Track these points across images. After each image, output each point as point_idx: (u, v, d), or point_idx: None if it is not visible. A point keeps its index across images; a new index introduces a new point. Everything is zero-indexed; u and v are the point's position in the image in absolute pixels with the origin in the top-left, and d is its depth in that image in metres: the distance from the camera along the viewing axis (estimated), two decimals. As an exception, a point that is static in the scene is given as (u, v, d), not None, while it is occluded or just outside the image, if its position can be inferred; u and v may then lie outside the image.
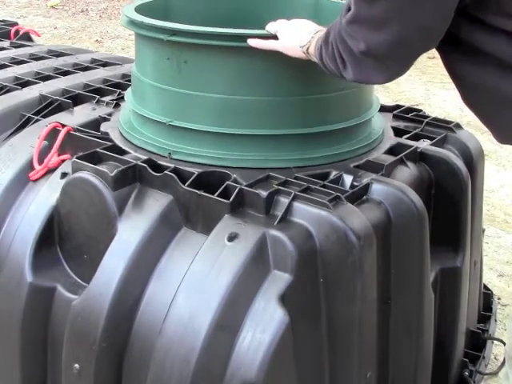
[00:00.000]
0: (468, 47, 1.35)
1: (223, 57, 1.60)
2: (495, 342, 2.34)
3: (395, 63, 1.35)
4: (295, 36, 1.54)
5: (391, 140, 1.87)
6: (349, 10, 1.34)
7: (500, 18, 1.29)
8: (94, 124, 1.93)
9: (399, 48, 1.30)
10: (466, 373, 2.07)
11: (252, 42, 1.56)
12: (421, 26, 1.27)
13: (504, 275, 2.97)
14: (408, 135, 1.96)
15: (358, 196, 1.57)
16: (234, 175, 1.58)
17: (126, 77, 2.35)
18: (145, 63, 1.78)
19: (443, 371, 1.96)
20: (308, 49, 1.51)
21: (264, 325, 1.36)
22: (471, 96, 1.45)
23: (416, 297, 1.68)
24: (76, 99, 2.14)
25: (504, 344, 2.21)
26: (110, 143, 1.75)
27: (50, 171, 1.77)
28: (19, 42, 2.98)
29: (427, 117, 2.10)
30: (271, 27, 1.60)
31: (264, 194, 1.48)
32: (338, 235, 1.44)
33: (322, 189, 1.54)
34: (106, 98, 2.14)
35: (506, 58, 1.32)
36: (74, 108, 2.07)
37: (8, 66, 2.50)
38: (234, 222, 1.45)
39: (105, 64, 2.60)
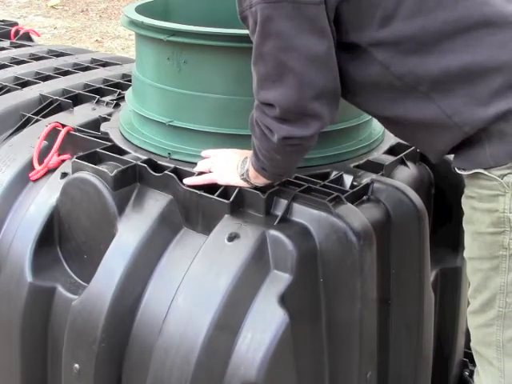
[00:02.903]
0: (358, 84, 1.37)
1: (223, 57, 1.60)
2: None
3: (312, 107, 1.31)
4: (231, 165, 1.52)
5: (391, 140, 1.87)
6: None
7: (366, 31, 1.29)
8: (94, 124, 1.93)
9: (303, 90, 1.29)
10: (466, 373, 2.07)
11: (188, 181, 1.53)
12: (307, 58, 1.27)
13: (504, 275, 2.96)
14: (408, 135, 1.96)
15: (358, 196, 1.57)
16: (234, 175, 1.58)
17: (126, 77, 2.35)
18: (145, 63, 1.78)
19: (443, 371, 1.97)
20: (248, 172, 1.48)
21: (264, 325, 1.36)
22: (390, 129, 1.49)
23: (416, 297, 1.68)
24: (76, 99, 2.14)
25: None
26: (110, 143, 1.75)
27: (50, 171, 1.77)
28: (19, 41, 2.98)
29: (427, 117, 2.10)
30: (203, 165, 1.56)
31: (264, 194, 1.48)
32: (338, 235, 1.44)
33: (322, 189, 1.54)
34: (106, 98, 2.14)
35: (387, 82, 1.32)
36: (74, 108, 2.07)
37: (8, 66, 2.51)
38: (234, 222, 1.45)
39: (105, 64, 2.60)
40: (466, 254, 1.45)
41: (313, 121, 1.33)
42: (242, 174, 1.50)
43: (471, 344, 1.57)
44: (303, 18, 1.26)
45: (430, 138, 1.38)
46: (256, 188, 1.51)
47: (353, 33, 1.31)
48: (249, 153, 1.50)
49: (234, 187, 1.50)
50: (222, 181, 1.52)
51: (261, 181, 1.49)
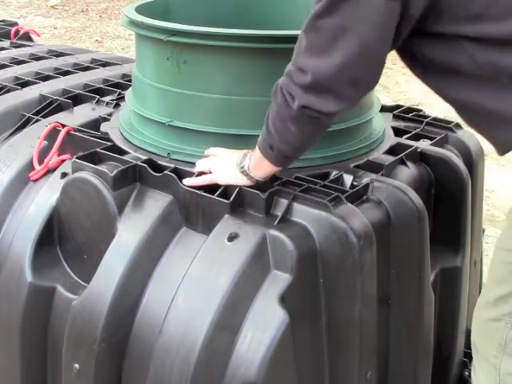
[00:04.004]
0: (436, 67, 1.37)
1: (223, 57, 1.60)
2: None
3: (344, 88, 1.33)
4: (230, 163, 1.53)
5: (391, 140, 1.87)
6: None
7: (454, 25, 1.31)
8: (94, 124, 1.93)
9: (345, 71, 1.30)
10: (466, 373, 2.07)
11: (188, 182, 1.53)
12: (360, 46, 1.28)
13: (504, 275, 2.97)
14: (408, 135, 1.96)
15: (358, 196, 1.57)
16: (234, 175, 1.58)
17: (126, 77, 2.35)
18: (145, 63, 1.78)
19: (443, 371, 1.97)
20: (248, 165, 1.49)
21: (264, 325, 1.36)
22: (463, 116, 1.47)
23: (416, 297, 1.68)
24: (76, 99, 2.14)
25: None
26: (109, 143, 1.75)
27: (50, 171, 1.77)
28: (19, 41, 2.98)
29: (427, 117, 2.10)
30: (203, 165, 1.56)
31: (264, 194, 1.48)
32: (338, 235, 1.44)
33: (322, 189, 1.54)
34: (106, 98, 2.14)
35: (470, 69, 1.33)
36: (74, 108, 2.07)
37: (8, 66, 2.51)
38: (234, 222, 1.45)
39: (105, 64, 2.60)
40: (498, 242, 1.44)
41: (337, 100, 1.34)
42: (242, 167, 1.50)
43: (472, 337, 1.56)
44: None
45: (501, 129, 1.38)
46: (256, 188, 1.51)
47: (443, 23, 1.31)
48: (249, 151, 1.50)
49: (234, 187, 1.50)
50: (222, 180, 1.52)
51: (262, 172, 1.49)
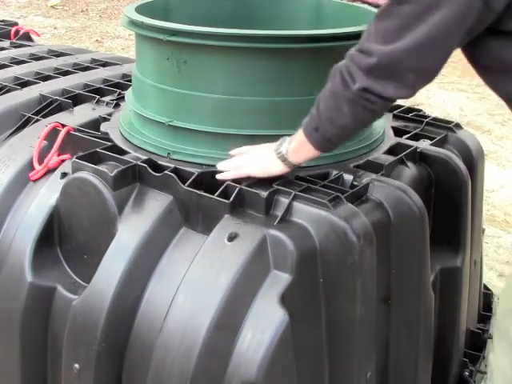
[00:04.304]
0: (507, 66, 1.37)
1: (223, 57, 1.60)
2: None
3: (407, 74, 1.34)
4: (265, 152, 1.53)
5: (391, 140, 1.87)
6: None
7: None
8: (94, 124, 1.93)
9: (411, 57, 1.31)
10: (466, 373, 2.07)
11: (220, 177, 1.54)
12: (430, 35, 1.29)
13: (504, 275, 2.97)
14: (408, 135, 1.96)
15: (358, 196, 1.57)
16: (234, 175, 1.58)
17: (126, 77, 2.35)
18: (145, 63, 1.78)
19: (443, 371, 1.97)
20: (288, 149, 1.49)
21: (264, 324, 1.36)
22: None
23: (416, 297, 1.68)
24: (76, 99, 2.14)
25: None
26: (110, 143, 1.75)
27: (50, 171, 1.77)
28: (19, 41, 2.98)
29: (427, 117, 2.11)
30: (234, 163, 1.56)
31: (264, 194, 1.48)
32: (338, 235, 1.44)
33: (321, 189, 1.54)
34: (106, 98, 2.14)
35: None
36: (74, 108, 2.07)
37: (8, 66, 2.51)
38: (234, 222, 1.45)
39: (105, 64, 2.60)
40: None
41: (398, 86, 1.35)
42: (279, 152, 1.50)
43: (497, 315, 1.58)
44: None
45: None
46: (256, 188, 1.51)
47: None
48: (286, 137, 1.51)
49: (235, 186, 1.50)
50: (258, 172, 1.53)
51: (301, 156, 1.50)
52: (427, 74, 1.36)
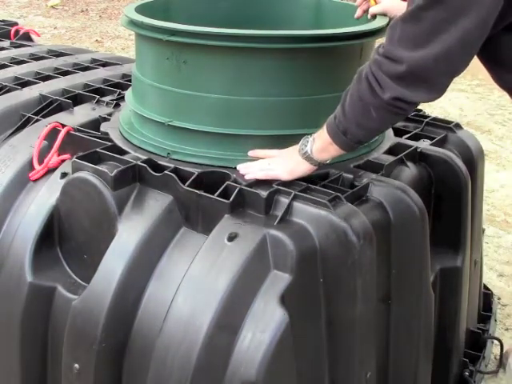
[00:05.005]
0: None
1: (222, 57, 1.60)
2: (495, 341, 2.34)
3: (438, 78, 1.35)
4: (289, 153, 1.55)
5: (391, 140, 1.87)
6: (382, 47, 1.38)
7: None
8: (94, 124, 1.93)
9: (442, 62, 1.32)
10: (467, 373, 2.07)
11: (248, 177, 1.55)
12: (462, 39, 1.30)
13: (504, 275, 2.97)
14: (408, 135, 1.96)
15: (358, 196, 1.57)
16: (234, 175, 1.58)
17: (126, 77, 2.35)
18: (145, 63, 1.78)
19: (443, 371, 1.97)
20: (312, 148, 1.51)
21: (264, 324, 1.36)
22: None
23: (416, 297, 1.68)
24: (76, 99, 2.14)
25: (501, 344, 2.21)
26: (110, 143, 1.75)
27: (50, 171, 1.77)
28: (19, 41, 2.98)
29: (427, 117, 2.11)
30: (259, 165, 1.57)
31: (264, 193, 1.48)
32: (338, 235, 1.44)
33: (321, 189, 1.54)
34: (106, 98, 2.14)
35: None
36: (74, 108, 2.07)
37: (8, 66, 2.51)
38: (234, 222, 1.45)
39: (105, 64, 2.60)
40: None
41: (430, 90, 1.36)
42: (305, 152, 1.52)
43: None
44: None
45: None
46: (256, 188, 1.51)
47: None
48: (308, 136, 1.53)
49: (235, 186, 1.50)
50: (285, 174, 1.54)
51: (327, 155, 1.51)
52: (457, 74, 1.37)
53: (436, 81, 1.35)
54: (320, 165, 1.55)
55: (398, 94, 1.35)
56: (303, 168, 1.55)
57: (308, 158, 1.53)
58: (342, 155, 1.68)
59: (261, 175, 1.55)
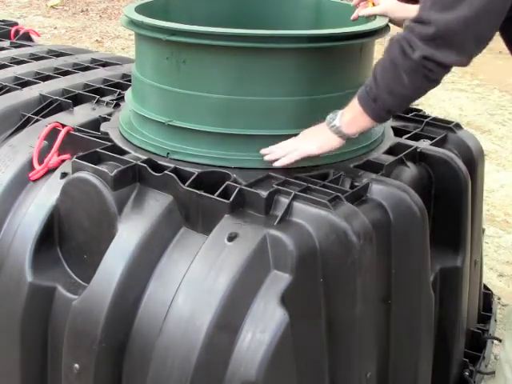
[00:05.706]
0: None
1: (222, 57, 1.60)
2: (495, 341, 2.34)
3: (467, 41, 1.38)
4: (316, 130, 1.55)
5: (391, 140, 1.87)
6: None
7: None
8: (94, 124, 1.93)
9: (470, 24, 1.35)
10: (467, 373, 2.07)
11: (278, 164, 1.56)
12: (488, 2, 1.33)
13: (504, 275, 2.97)
14: (408, 135, 1.96)
15: (358, 196, 1.57)
16: (234, 175, 1.58)
17: (126, 77, 2.35)
18: (144, 63, 1.78)
19: (443, 371, 1.97)
20: (341, 121, 1.52)
21: (264, 324, 1.36)
22: None
23: (416, 297, 1.68)
24: (76, 99, 2.14)
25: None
26: (109, 143, 1.75)
27: (50, 171, 1.77)
28: (19, 41, 2.98)
29: (427, 117, 2.11)
30: (283, 150, 1.57)
31: (264, 193, 1.48)
32: (338, 235, 1.44)
33: (321, 189, 1.54)
34: (106, 98, 2.14)
35: None
36: (74, 108, 2.07)
37: (8, 66, 2.51)
38: (234, 222, 1.45)
39: (105, 64, 2.60)
40: None
41: (457, 53, 1.39)
42: (333, 126, 1.53)
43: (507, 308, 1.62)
44: None
45: None
46: (256, 188, 1.51)
47: None
48: (336, 110, 1.54)
49: (235, 186, 1.50)
50: (315, 148, 1.55)
51: (356, 128, 1.52)
52: (484, 41, 1.40)
53: (463, 44, 1.38)
54: (349, 139, 1.55)
55: (427, 54, 1.38)
56: (332, 142, 1.55)
57: (337, 131, 1.53)
58: (341, 157, 1.69)
59: (288, 159, 1.55)
